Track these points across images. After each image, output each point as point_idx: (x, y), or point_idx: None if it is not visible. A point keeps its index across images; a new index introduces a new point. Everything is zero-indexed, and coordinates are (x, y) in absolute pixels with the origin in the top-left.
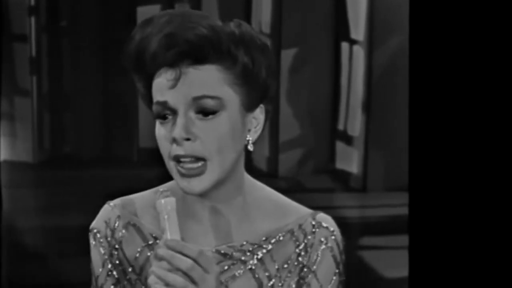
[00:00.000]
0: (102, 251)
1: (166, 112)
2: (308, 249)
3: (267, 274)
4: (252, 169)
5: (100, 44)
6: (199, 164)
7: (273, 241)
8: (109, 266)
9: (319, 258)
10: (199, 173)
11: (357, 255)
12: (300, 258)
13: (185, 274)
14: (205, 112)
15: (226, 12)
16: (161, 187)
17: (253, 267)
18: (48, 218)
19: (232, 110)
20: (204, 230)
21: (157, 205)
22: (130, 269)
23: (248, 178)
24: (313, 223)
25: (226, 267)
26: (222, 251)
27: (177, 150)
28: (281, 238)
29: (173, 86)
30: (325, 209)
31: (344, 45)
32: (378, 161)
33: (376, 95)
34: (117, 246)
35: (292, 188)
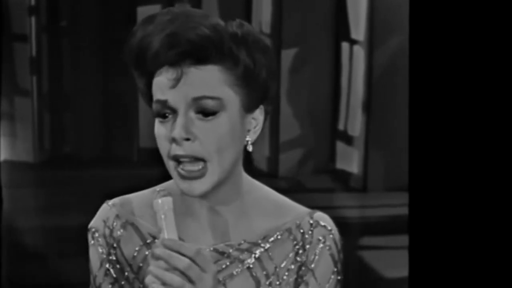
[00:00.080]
0: (100, 250)
1: (166, 111)
2: (306, 247)
3: (264, 272)
4: (252, 169)
5: (100, 44)
6: (200, 166)
7: (271, 240)
8: (107, 265)
9: (317, 256)
10: (200, 175)
11: (357, 255)
12: (298, 257)
13: (182, 274)
14: (205, 113)
15: (226, 12)
16: (158, 187)
17: (251, 266)
18: (48, 218)
19: (232, 111)
20: (202, 228)
21: (154, 204)
22: (128, 268)
23: (246, 177)
24: (311, 222)
25: (224, 266)
26: (220, 250)
27: (176, 150)
28: (279, 237)
29: (174, 86)
30: (325, 209)
31: (345, 45)
32: (378, 161)
33: (376, 95)
34: (115, 245)
35: (292, 188)
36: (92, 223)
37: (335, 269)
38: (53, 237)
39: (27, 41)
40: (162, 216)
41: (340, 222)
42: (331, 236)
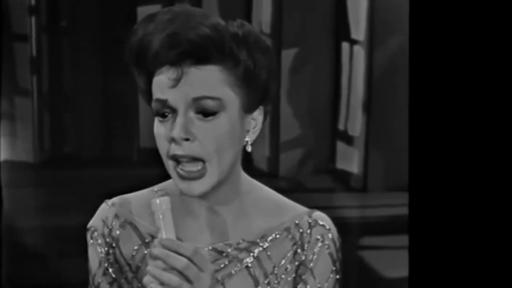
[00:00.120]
0: (99, 250)
1: (166, 110)
2: (305, 247)
3: (263, 272)
4: (252, 169)
5: (100, 44)
6: (199, 166)
7: (269, 239)
8: (106, 264)
9: (315, 256)
10: (199, 176)
11: (357, 255)
12: (296, 256)
13: (180, 273)
14: (205, 113)
15: (226, 12)
16: (156, 187)
17: (250, 265)
18: (48, 218)
19: (231, 112)
20: (201, 228)
21: (152, 204)
22: (127, 268)
23: (245, 177)
24: (310, 221)
25: (222, 265)
26: (219, 249)
27: (176, 150)
28: (277, 236)
29: (174, 86)
30: (326, 209)
31: (345, 45)
32: (379, 161)
33: (377, 95)
34: (114, 245)
35: (292, 188)
36: (91, 223)
37: (334, 268)
38: (53, 237)
39: (27, 41)
40: (160, 216)
41: (340, 222)
42: (329, 235)
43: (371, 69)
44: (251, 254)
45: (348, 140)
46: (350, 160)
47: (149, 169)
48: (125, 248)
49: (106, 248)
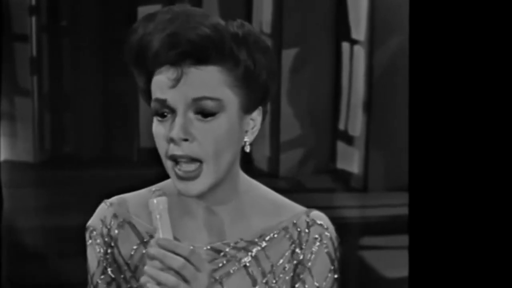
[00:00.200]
0: (98, 249)
1: (165, 110)
2: (303, 246)
3: (261, 271)
4: (252, 169)
5: (100, 44)
6: (195, 165)
7: (267, 238)
8: (104, 264)
9: (313, 255)
10: (195, 176)
11: (357, 255)
12: (294, 255)
13: (177, 273)
14: (204, 113)
15: (226, 12)
16: (154, 186)
17: (247, 264)
18: (48, 218)
19: (231, 112)
20: (199, 228)
21: (149, 204)
22: (125, 267)
23: (244, 177)
24: (307, 220)
25: (220, 264)
26: (217, 248)
27: (174, 150)
28: (275, 236)
29: (174, 86)
30: (326, 209)
31: (345, 45)
32: (379, 161)
33: (377, 95)
34: (112, 244)
35: (292, 188)
36: (90, 222)
37: (332, 267)
38: (53, 237)
39: (27, 41)
40: (157, 216)
41: (340, 222)
42: (327, 234)
43: (372, 69)
44: (249, 253)
45: (349, 140)
46: (351, 160)
47: (149, 169)
48: (124, 247)
49: (104, 248)
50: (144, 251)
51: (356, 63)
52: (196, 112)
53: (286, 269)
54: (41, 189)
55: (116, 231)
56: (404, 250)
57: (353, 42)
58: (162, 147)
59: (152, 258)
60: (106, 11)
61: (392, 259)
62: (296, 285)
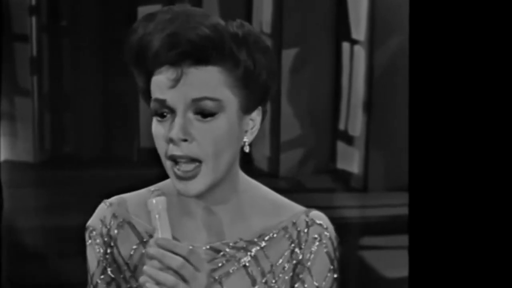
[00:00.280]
0: (97, 249)
1: (164, 110)
2: (302, 246)
3: (260, 271)
4: (253, 169)
5: (100, 44)
6: (194, 165)
7: (266, 238)
8: (104, 264)
9: (313, 255)
10: (194, 175)
11: (357, 255)
12: (293, 255)
13: (176, 273)
14: (203, 114)
15: (226, 12)
16: (153, 186)
17: (247, 264)
18: (48, 218)
19: (230, 113)
20: (198, 227)
21: (148, 204)
22: (125, 267)
23: (243, 176)
24: (307, 220)
25: (220, 264)
26: (216, 248)
27: (174, 150)
28: (274, 235)
29: (174, 86)
30: (326, 209)
31: (345, 45)
32: (379, 161)
33: (377, 95)
34: (112, 244)
35: (292, 188)
36: (89, 222)
37: (332, 267)
38: (53, 237)
39: (27, 41)
40: (156, 216)
41: (340, 222)
42: (327, 234)
43: (372, 69)
44: (249, 253)
45: (349, 140)
46: (351, 160)
47: (149, 169)
48: (123, 247)
49: (104, 248)
50: (143, 251)
51: (356, 63)
52: (196, 113)
53: (286, 268)
54: (41, 189)
55: (116, 231)
56: (404, 250)
57: (353, 42)
58: (161, 147)
59: (151, 257)
60: (106, 11)
61: (392, 259)
62: (296, 285)
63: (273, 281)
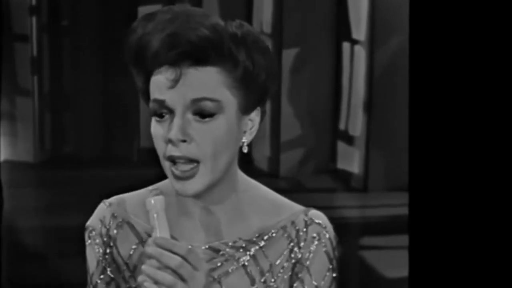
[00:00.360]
0: (97, 249)
1: (163, 111)
2: (301, 245)
3: (259, 270)
4: (253, 169)
5: (100, 44)
6: (192, 165)
7: (265, 237)
8: (103, 264)
9: (312, 254)
10: (191, 175)
11: (357, 255)
12: (292, 254)
13: (174, 272)
14: (202, 114)
15: (227, 12)
16: (151, 187)
17: (246, 263)
18: (48, 218)
19: (229, 113)
20: (196, 227)
21: (146, 203)
22: (124, 267)
23: (242, 176)
24: (306, 219)
25: (219, 264)
26: (215, 248)
27: (172, 151)
28: (273, 235)
29: (173, 86)
30: (326, 209)
31: (346, 45)
32: (379, 161)
33: (378, 95)
34: (111, 244)
35: (293, 188)
36: (89, 222)
37: (331, 266)
38: (53, 237)
39: (28, 41)
40: (155, 215)
41: (340, 222)
42: (326, 233)
43: (372, 69)
44: (248, 252)
45: (349, 140)
46: (351, 160)
47: (149, 169)
48: (123, 247)
49: (103, 248)
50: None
51: (356, 63)
52: (195, 113)
53: (285, 268)
54: (41, 189)
55: (115, 231)
56: (404, 250)
57: (354, 42)
58: (160, 147)
59: (149, 256)
60: (106, 11)
61: (392, 259)
62: (295, 284)
63: (272, 280)
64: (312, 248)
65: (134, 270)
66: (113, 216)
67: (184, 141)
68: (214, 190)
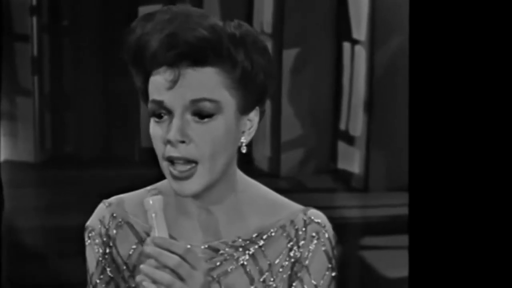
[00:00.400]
0: (96, 249)
1: (162, 112)
2: (300, 244)
3: (258, 269)
4: (253, 169)
5: (101, 44)
6: (190, 166)
7: (264, 237)
8: (103, 264)
9: (311, 253)
10: (189, 175)
11: (358, 255)
12: (291, 253)
13: (173, 271)
14: (201, 115)
15: (227, 12)
16: (150, 187)
17: (245, 263)
18: (48, 218)
19: (228, 114)
20: (195, 227)
21: (145, 203)
22: (124, 267)
23: (241, 175)
24: (305, 218)
25: (218, 263)
26: (214, 247)
27: (171, 152)
28: (272, 234)
29: (171, 87)
30: (327, 209)
31: (346, 45)
32: (380, 161)
33: (378, 95)
34: (111, 244)
35: (293, 188)
36: (88, 223)
37: (330, 266)
38: (53, 237)
39: (28, 41)
40: (153, 215)
41: (341, 222)
42: (325, 232)
43: (373, 69)
44: (247, 252)
45: (349, 140)
46: (351, 160)
47: (150, 169)
48: (122, 247)
49: (103, 248)
50: None
51: (357, 63)
52: (193, 114)
53: (284, 267)
54: (41, 189)
55: (115, 231)
56: (404, 250)
57: (354, 42)
58: (159, 148)
59: (148, 256)
60: (107, 11)
61: (392, 259)
62: (294, 283)
63: (271, 279)
64: (311, 247)
65: (134, 270)
66: (113, 216)
67: (183, 142)
68: (212, 190)
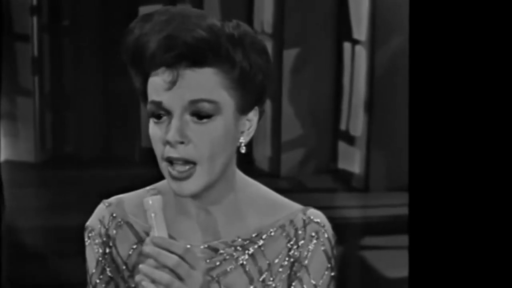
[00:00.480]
0: (96, 249)
1: (161, 112)
2: (299, 244)
3: (258, 269)
4: (253, 169)
5: (101, 44)
6: (188, 166)
7: (264, 236)
8: (103, 264)
9: (310, 253)
10: (188, 176)
11: (358, 255)
12: (291, 253)
13: (172, 271)
14: (200, 116)
15: (227, 12)
16: (149, 187)
17: (244, 263)
18: (48, 218)
19: (227, 114)
20: (194, 227)
21: (144, 203)
22: (123, 267)
23: (240, 175)
24: (304, 218)
25: (217, 263)
26: (214, 247)
27: (170, 152)
28: (272, 234)
29: (170, 88)
30: (327, 209)
31: (346, 45)
32: (380, 161)
33: (379, 95)
34: (111, 244)
35: (294, 188)
36: (88, 223)
37: (329, 265)
38: (53, 237)
39: (28, 41)
40: (152, 215)
41: (341, 222)
42: (324, 232)
43: (373, 69)
44: (246, 251)
45: (350, 140)
46: (352, 160)
47: (150, 169)
48: (122, 247)
49: (103, 248)
50: None
51: (357, 63)
52: (192, 114)
53: (283, 267)
54: (42, 189)
55: (114, 231)
56: (404, 250)
57: (355, 42)
58: (158, 149)
59: (147, 256)
60: (107, 11)
61: (392, 259)
62: (293, 283)
63: (271, 279)
64: (311, 247)
65: (133, 270)
66: (112, 216)
67: (181, 142)
68: (212, 191)
